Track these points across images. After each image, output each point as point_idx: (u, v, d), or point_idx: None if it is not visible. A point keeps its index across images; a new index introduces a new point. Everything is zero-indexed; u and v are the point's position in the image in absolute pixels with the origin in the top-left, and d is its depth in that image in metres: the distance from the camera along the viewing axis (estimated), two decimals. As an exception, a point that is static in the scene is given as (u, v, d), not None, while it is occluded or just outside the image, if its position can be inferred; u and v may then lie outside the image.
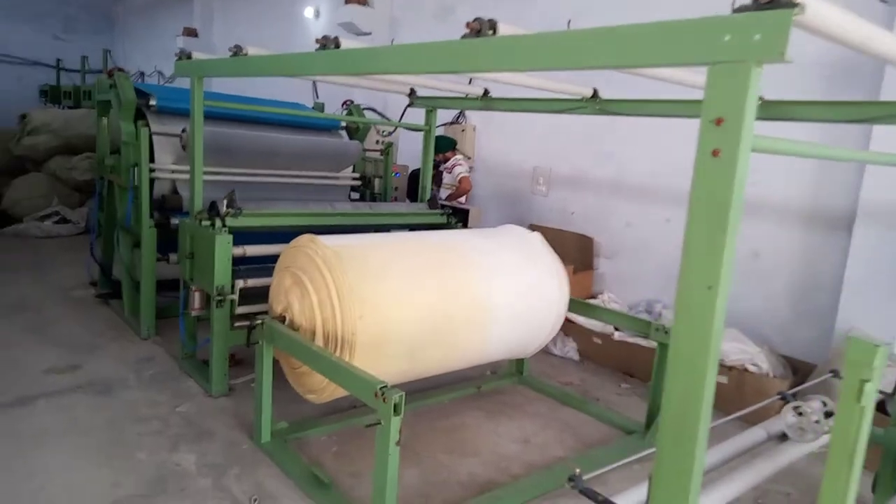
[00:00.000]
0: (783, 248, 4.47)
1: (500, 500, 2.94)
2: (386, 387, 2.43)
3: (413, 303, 3.22)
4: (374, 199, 5.80)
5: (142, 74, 12.66)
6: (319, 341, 3.07)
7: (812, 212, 4.33)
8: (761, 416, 3.31)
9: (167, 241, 4.57)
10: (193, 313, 3.98)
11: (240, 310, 3.80)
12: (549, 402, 4.12)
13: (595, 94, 3.76)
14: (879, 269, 3.82)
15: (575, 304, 4.00)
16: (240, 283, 3.75)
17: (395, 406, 2.37)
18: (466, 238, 3.81)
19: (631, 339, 4.65)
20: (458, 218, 4.94)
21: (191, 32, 10.66)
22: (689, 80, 2.83)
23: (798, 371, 4.16)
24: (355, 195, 5.78)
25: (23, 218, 7.75)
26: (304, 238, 3.28)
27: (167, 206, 4.63)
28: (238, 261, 3.81)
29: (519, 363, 4.45)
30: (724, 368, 4.12)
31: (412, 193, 6.38)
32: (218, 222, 3.79)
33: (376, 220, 4.62)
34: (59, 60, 13.46)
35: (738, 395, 4.07)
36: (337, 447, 3.33)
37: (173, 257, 4.55)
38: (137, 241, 4.74)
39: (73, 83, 12.69)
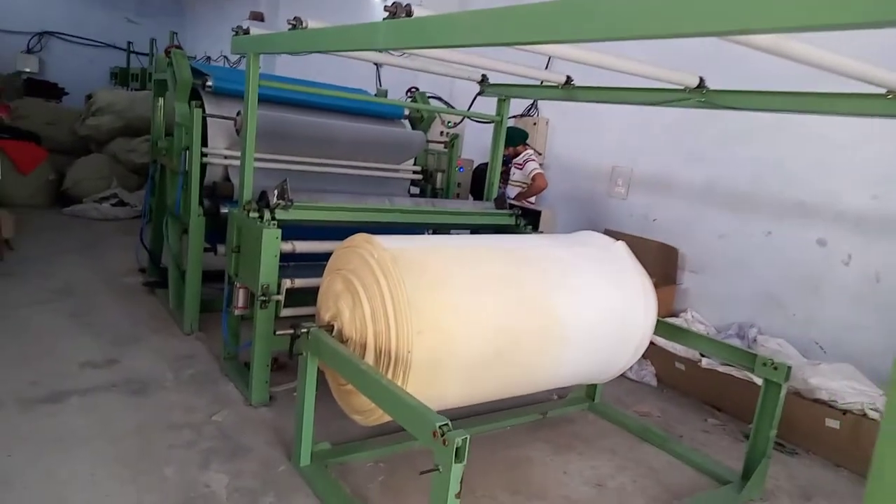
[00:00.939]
0: (911, 274, 3.82)
1: (573, 560, 2.48)
2: (447, 426, 2.01)
3: (479, 319, 2.78)
4: (434, 194, 5.38)
5: (208, 59, 12.63)
6: (370, 357, 2.68)
7: (951, 233, 3.67)
8: None
9: (216, 231, 4.28)
10: (237, 312, 3.65)
11: (285, 311, 3.45)
12: (626, 437, 3.61)
13: (701, 83, 3.22)
14: None
15: (663, 327, 3.49)
16: (286, 283, 3.39)
17: (457, 451, 1.94)
18: (541, 246, 3.34)
19: (721, 368, 4.08)
20: (528, 220, 4.46)
21: (257, 16, 10.49)
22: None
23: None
24: (414, 190, 5.39)
25: (82, 199, 7.70)
26: (359, 237, 2.88)
27: (218, 193, 4.33)
28: (286, 257, 3.46)
29: (591, 387, 3.95)
30: (837, 412, 3.52)
31: (476, 190, 5.94)
32: (267, 214, 3.44)
33: (437, 220, 4.20)
34: (129, 43, 13.58)
35: (852, 444, 3.48)
36: (384, 476, 2.93)
37: (221, 248, 4.26)
38: (186, 229, 4.48)
39: (141, 66, 12.78)
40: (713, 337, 4.07)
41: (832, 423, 3.54)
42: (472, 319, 2.76)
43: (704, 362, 4.16)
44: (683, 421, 3.95)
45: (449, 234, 5.19)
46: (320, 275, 3.44)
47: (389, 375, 2.57)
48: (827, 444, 3.60)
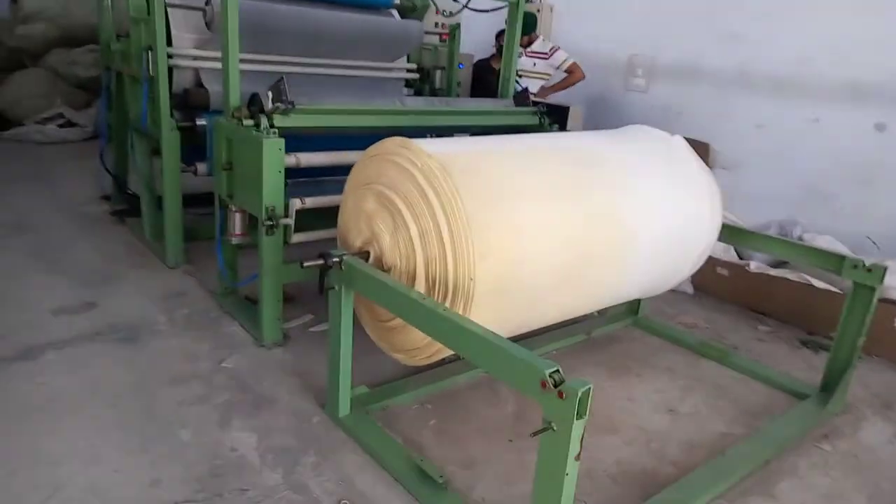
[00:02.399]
0: (983, 157, 3.46)
1: None
2: (558, 372, 1.58)
3: (546, 237, 2.32)
4: (434, 95, 4.79)
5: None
6: (421, 287, 2.22)
7: None
8: None
9: (193, 147, 3.66)
10: (234, 240, 3.12)
11: (296, 237, 2.93)
12: (681, 353, 3.28)
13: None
14: None
15: (727, 231, 3.08)
16: (296, 204, 2.85)
17: (579, 404, 1.52)
18: (597, 144, 2.85)
19: (773, 272, 3.75)
20: (554, 118, 3.93)
21: None
22: None
23: None
24: (408, 92, 4.76)
25: (23, 121, 6.81)
26: (391, 143, 2.34)
27: (191, 102, 3.69)
28: (288, 174, 2.89)
29: (633, 302, 3.58)
30: (910, 312, 3.24)
31: (478, 89, 5.34)
32: (264, 121, 2.84)
33: (456, 121, 3.64)
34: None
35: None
36: (435, 420, 2.54)
37: (202, 167, 3.65)
38: (157, 148, 3.84)
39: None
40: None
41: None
42: (538, 237, 2.29)
43: (753, 265, 3.82)
44: (733, 330, 3.65)
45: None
46: (333, 192, 2.93)
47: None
48: (895, 346, 3.34)
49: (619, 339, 3.40)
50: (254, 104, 3.01)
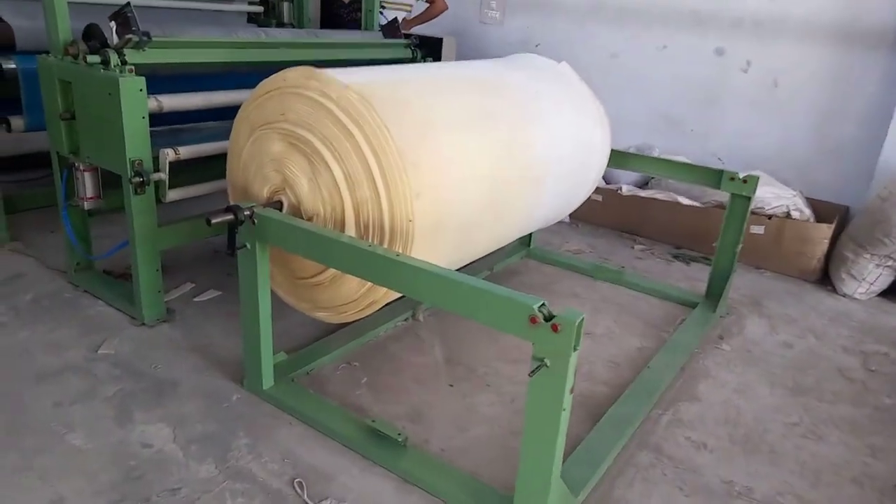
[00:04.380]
0: (806, 75, 3.88)
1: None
2: (545, 305, 1.50)
3: (472, 168, 2.20)
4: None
5: None
6: (352, 234, 2.00)
7: (844, 28, 3.72)
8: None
9: (3, 99, 3.00)
10: (85, 205, 2.61)
11: (172, 194, 2.51)
12: (578, 278, 3.38)
13: None
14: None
15: (617, 156, 3.18)
16: (169, 155, 2.42)
17: (576, 336, 1.45)
18: (500, 73, 2.73)
19: (644, 193, 3.97)
20: (426, 50, 3.74)
21: None
22: None
23: (821, 214, 3.72)
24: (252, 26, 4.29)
25: None
26: (297, 74, 2.04)
27: None
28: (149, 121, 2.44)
29: (525, 235, 3.60)
30: (762, 217, 3.60)
31: (328, 23, 4.96)
32: (114, 58, 2.35)
33: (327, 55, 3.31)
34: None
35: (775, 246, 3.61)
36: (367, 377, 2.36)
37: (17, 122, 3.02)
38: None
39: None
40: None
41: (757, 230, 3.62)
42: (465, 168, 2.16)
43: (625, 189, 4.01)
44: (614, 252, 3.83)
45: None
46: (211, 139, 2.55)
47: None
48: (748, 250, 3.71)
49: (518, 272, 3.42)
50: (91, 38, 2.49)
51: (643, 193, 3.96)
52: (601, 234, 4.07)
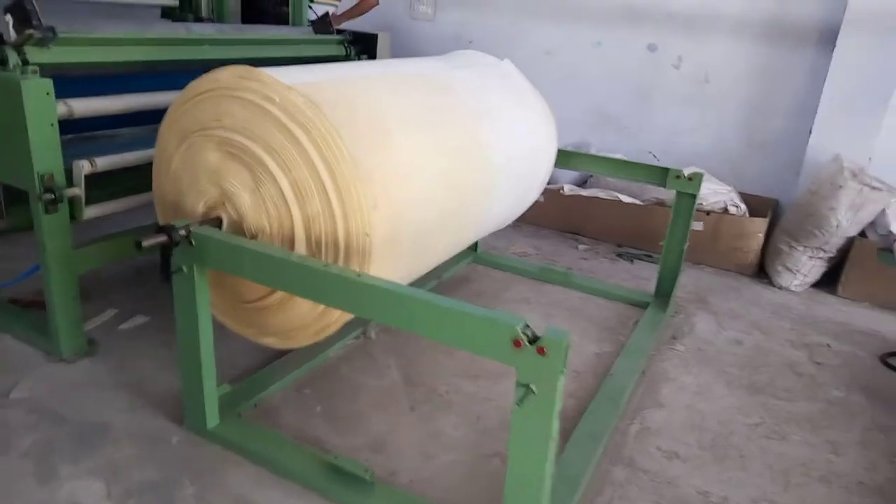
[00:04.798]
0: (736, 70, 3.97)
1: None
2: (528, 326, 1.38)
3: (425, 174, 2.06)
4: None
5: None
6: (302, 251, 1.82)
7: (772, 25, 3.81)
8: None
9: None
10: (-16, 226, 2.29)
11: (91, 211, 2.23)
12: (527, 282, 3.30)
13: None
14: (861, 87, 3.48)
15: (564, 156, 3.12)
16: (84, 167, 2.14)
17: (563, 357, 1.34)
18: (444, 70, 2.60)
19: (586, 192, 3.95)
20: (361, 47, 3.56)
21: None
22: None
23: (753, 208, 3.82)
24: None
25: None
26: (230, 74, 1.84)
27: None
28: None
29: (470, 237, 3.50)
30: (701, 214, 3.64)
31: (250, 18, 4.67)
32: (12, 56, 2.05)
33: (258, 52, 3.07)
34: None
35: (712, 242, 3.67)
36: (321, 406, 2.18)
37: None
38: None
39: None
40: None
41: (696, 226, 3.66)
42: (419, 175, 2.02)
43: (567, 189, 3.98)
44: (559, 253, 3.79)
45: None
46: (131, 147, 2.30)
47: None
48: (688, 247, 3.75)
49: (467, 279, 3.31)
50: (-16, 33, 2.17)
51: (585, 193, 3.94)
52: (544, 235, 4.02)
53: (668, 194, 3.74)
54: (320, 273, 1.57)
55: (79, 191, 2.13)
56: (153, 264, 2.99)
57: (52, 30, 2.11)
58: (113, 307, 2.65)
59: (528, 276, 3.35)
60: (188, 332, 1.86)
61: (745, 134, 4.03)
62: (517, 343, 1.36)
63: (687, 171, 2.90)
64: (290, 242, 1.81)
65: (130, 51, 2.41)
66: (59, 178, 2.09)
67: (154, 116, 2.72)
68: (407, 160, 1.96)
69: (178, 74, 3.72)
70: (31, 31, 2.07)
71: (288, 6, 3.98)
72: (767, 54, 3.86)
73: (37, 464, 1.79)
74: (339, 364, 2.42)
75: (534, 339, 1.34)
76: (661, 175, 2.96)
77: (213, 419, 1.96)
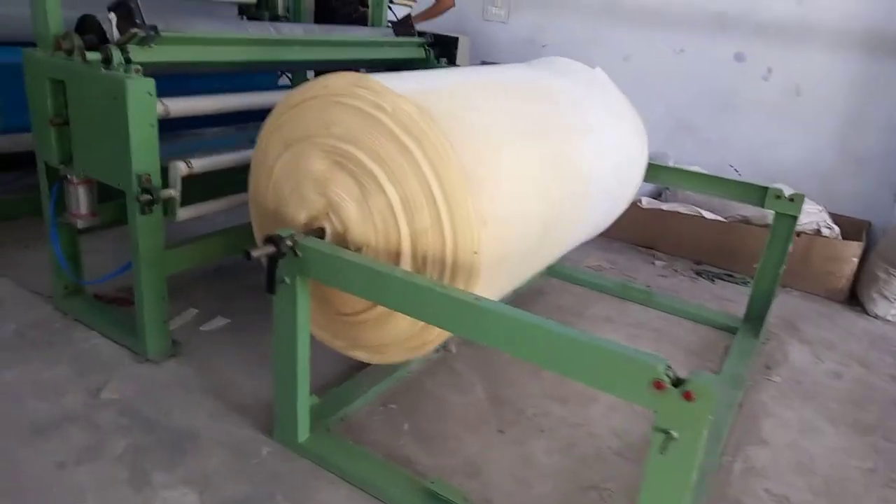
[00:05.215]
0: (831, 83, 3.77)
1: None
2: (670, 368, 1.28)
3: (532, 186, 1.97)
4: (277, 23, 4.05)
5: None
6: (407, 267, 1.74)
7: (875, 35, 3.60)
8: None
9: None
10: (79, 223, 2.29)
11: (184, 212, 2.21)
12: (606, 299, 3.18)
13: None
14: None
15: (654, 169, 2.99)
16: (181, 169, 2.12)
17: (711, 403, 1.24)
18: (542, 78, 2.51)
19: (666, 207, 3.80)
20: (441, 50, 3.49)
21: None
22: None
23: (844, 230, 3.61)
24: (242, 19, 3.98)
25: None
26: (342, 81, 1.77)
27: None
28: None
29: (545, 247, 3.39)
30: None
31: (323, 16, 4.65)
32: (117, 55, 2.03)
33: (339, 54, 3.02)
34: None
35: (802, 264, 3.48)
36: (409, 423, 2.11)
37: None
38: None
39: None
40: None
41: (784, 247, 3.48)
42: (523, 190, 1.93)
43: (645, 202, 3.84)
44: (635, 268, 3.66)
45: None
46: (220, 147, 2.28)
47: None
48: (776, 268, 3.59)
49: (543, 292, 3.21)
50: (87, 31, 2.16)
51: (665, 206, 3.79)
52: (618, 249, 3.89)
53: (754, 211, 3.58)
54: (437, 295, 1.49)
55: (174, 192, 2.10)
56: (232, 263, 2.98)
57: (154, 28, 2.09)
58: (193, 307, 2.63)
59: (607, 293, 3.23)
60: (286, 344, 1.81)
61: (837, 150, 3.83)
62: (658, 385, 1.26)
63: (787, 192, 2.75)
64: (396, 257, 1.74)
65: (228, 50, 2.38)
66: (156, 179, 2.07)
67: (236, 117, 2.71)
68: (513, 174, 1.88)
69: (251, 74, 3.73)
70: (134, 29, 2.05)
71: (366, 6, 3.95)
72: (867, 66, 3.65)
73: (131, 470, 1.77)
74: (423, 378, 2.35)
75: (678, 382, 1.24)
76: (759, 194, 2.81)
77: (304, 433, 1.90)
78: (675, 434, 1.28)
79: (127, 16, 2.08)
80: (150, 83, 2.00)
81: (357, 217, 1.76)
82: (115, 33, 2.09)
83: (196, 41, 2.26)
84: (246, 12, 4.02)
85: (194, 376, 2.21)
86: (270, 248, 1.64)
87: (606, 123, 2.53)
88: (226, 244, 2.42)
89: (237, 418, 2.03)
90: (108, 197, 2.35)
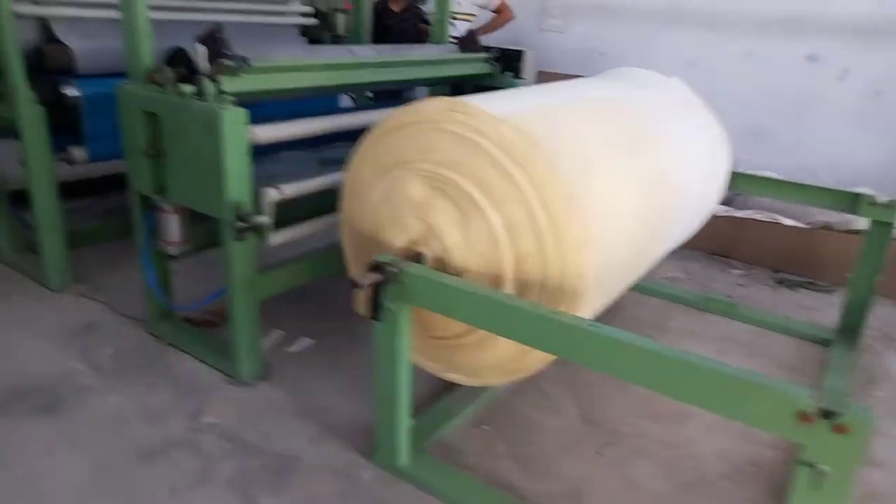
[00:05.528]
0: (914, 84, 3.62)
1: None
2: (814, 396, 1.22)
3: (625, 208, 1.93)
4: (337, 42, 4.11)
5: None
6: (509, 291, 1.72)
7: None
8: None
9: (59, 127, 2.75)
10: (171, 250, 2.34)
11: (275, 237, 2.24)
12: (684, 311, 3.11)
13: None
14: None
15: (738, 178, 2.91)
16: (272, 195, 2.15)
17: (867, 437, 1.18)
18: (621, 91, 2.47)
19: (741, 214, 3.70)
20: (505, 64, 3.47)
21: None
22: None
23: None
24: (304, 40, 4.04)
25: None
26: (437, 106, 1.77)
27: (49, 65, 2.74)
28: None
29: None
30: None
31: (379, 38, 4.68)
32: (210, 86, 2.08)
33: (411, 74, 3.03)
34: None
35: (891, 274, 3.31)
36: (505, 445, 2.09)
37: (79, 153, 2.77)
38: (5, 131, 2.86)
39: None
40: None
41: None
42: (621, 210, 1.90)
43: (723, 209, 3.74)
44: (712, 278, 3.56)
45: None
46: (301, 169, 2.31)
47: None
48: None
49: (620, 304, 3.12)
50: (176, 63, 2.21)
51: (740, 213, 3.69)
52: (692, 258, 3.79)
53: (837, 217, 3.44)
54: (551, 322, 1.47)
55: (267, 219, 2.13)
56: (310, 283, 3.00)
57: (244, 59, 2.12)
58: (278, 328, 2.66)
59: (686, 305, 3.15)
60: (387, 370, 1.81)
61: (923, 152, 3.67)
62: (806, 418, 1.20)
63: (882, 198, 2.63)
64: (497, 282, 1.73)
65: (314, 76, 2.41)
66: (248, 206, 2.10)
67: (311, 140, 2.72)
68: (611, 195, 1.85)
69: (318, 98, 3.74)
70: (225, 61, 2.08)
71: (426, 23, 3.97)
72: (953, 64, 3.49)
73: (241, 495, 1.79)
74: (512, 398, 2.32)
75: (829, 414, 1.19)
76: (850, 200, 2.71)
77: (404, 457, 1.90)
78: (824, 468, 1.22)
79: (216, 47, 2.12)
80: (243, 113, 2.04)
81: (458, 242, 1.75)
82: (204, 65, 2.13)
83: (284, 69, 2.30)
84: (307, 33, 4.09)
85: (288, 399, 2.23)
86: (377, 276, 1.64)
87: (692, 135, 2.48)
88: (315, 267, 2.45)
89: (335, 442, 2.03)
90: (195, 223, 2.41)
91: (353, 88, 3.59)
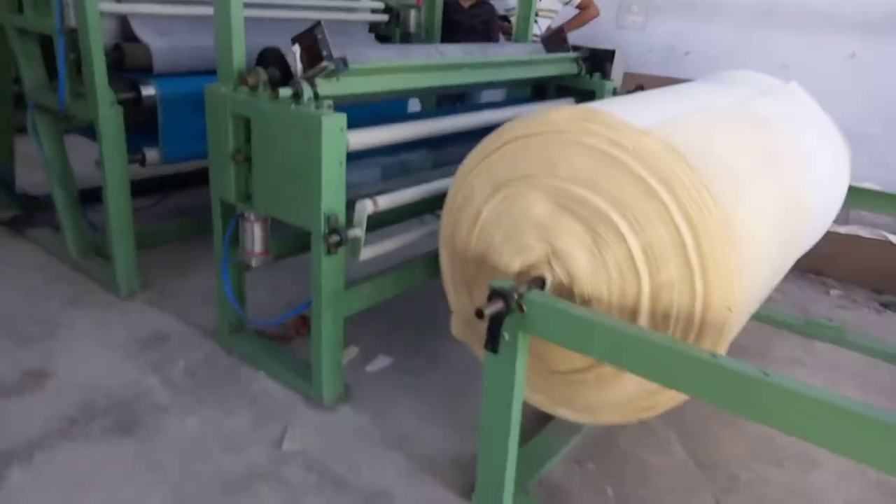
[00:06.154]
0: None
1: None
2: None
3: (768, 230, 1.72)
4: (406, 41, 3.96)
5: None
6: (644, 323, 1.53)
7: None
8: None
9: (135, 128, 2.65)
10: (253, 261, 2.20)
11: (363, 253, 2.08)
12: (787, 336, 2.86)
13: None
14: None
15: (853, 192, 2.66)
16: (367, 207, 1.99)
17: None
18: (750, 100, 2.24)
19: (843, 229, 3.43)
20: (595, 65, 3.26)
21: None
22: None
23: None
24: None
25: None
26: (569, 115, 1.59)
27: (127, 65, 2.65)
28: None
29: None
30: None
31: (448, 34, 4.52)
32: (308, 90, 1.93)
33: (500, 75, 2.84)
34: None
35: None
36: (611, 486, 1.90)
37: (152, 155, 2.67)
38: (72, 127, 2.80)
39: None
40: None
41: None
42: (764, 232, 1.69)
43: (819, 225, 3.48)
44: (808, 299, 3.31)
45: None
46: (400, 182, 2.15)
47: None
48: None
49: (715, 327, 2.92)
50: (268, 64, 2.07)
51: (842, 230, 3.42)
52: (786, 276, 3.53)
53: (953, 237, 3.16)
54: (707, 365, 1.28)
55: (360, 232, 1.98)
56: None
57: (343, 61, 1.97)
58: (353, 344, 2.51)
59: (787, 329, 2.90)
60: (498, 405, 1.63)
61: None
62: None
63: None
64: (632, 313, 1.54)
65: (408, 78, 2.24)
66: (342, 218, 1.95)
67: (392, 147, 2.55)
68: (756, 217, 1.64)
69: (390, 102, 3.57)
70: (325, 63, 1.93)
71: (508, 21, 3.79)
72: None
73: (334, 539, 1.64)
74: (615, 434, 2.12)
75: None
76: None
77: (508, 499, 1.72)
78: None
79: (313, 48, 1.97)
80: (343, 119, 1.88)
81: (587, 267, 1.56)
82: (298, 66, 1.99)
83: (380, 70, 2.14)
84: (376, 30, 3.95)
85: (372, 426, 2.07)
86: (499, 304, 1.47)
87: (818, 149, 2.25)
88: (401, 281, 2.29)
89: (426, 477, 1.87)
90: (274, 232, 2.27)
91: (441, 91, 3.44)
